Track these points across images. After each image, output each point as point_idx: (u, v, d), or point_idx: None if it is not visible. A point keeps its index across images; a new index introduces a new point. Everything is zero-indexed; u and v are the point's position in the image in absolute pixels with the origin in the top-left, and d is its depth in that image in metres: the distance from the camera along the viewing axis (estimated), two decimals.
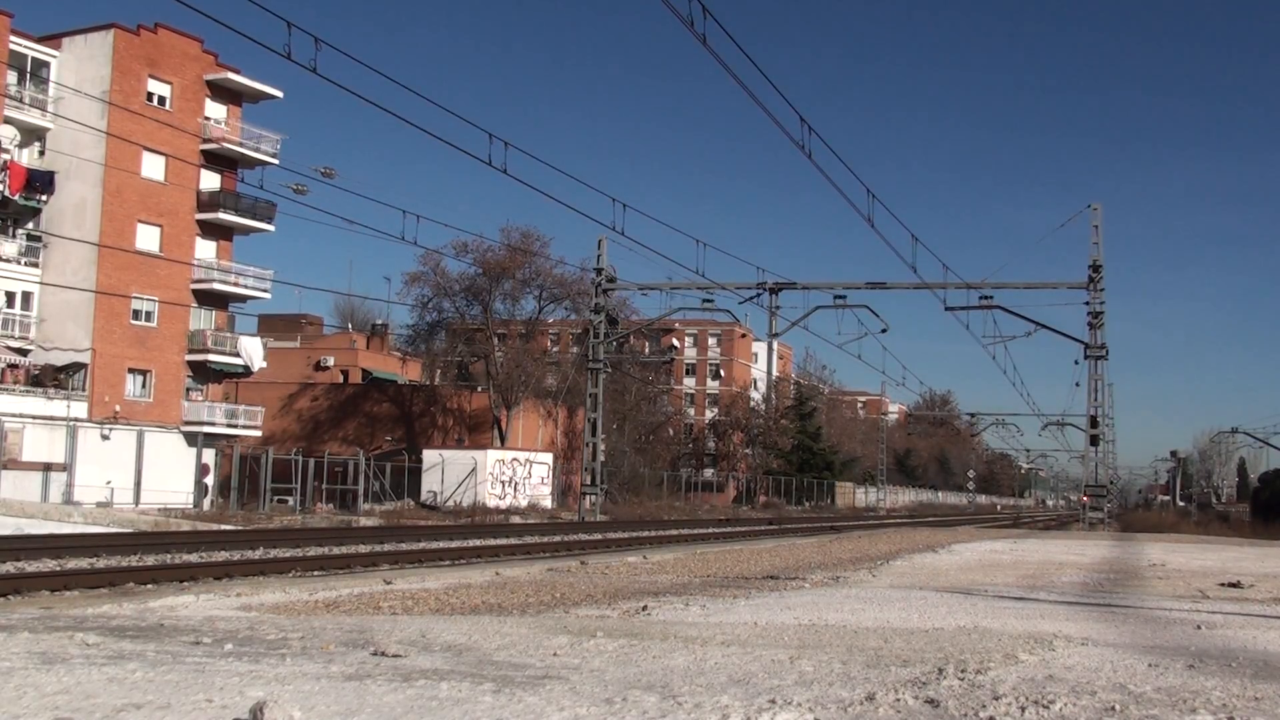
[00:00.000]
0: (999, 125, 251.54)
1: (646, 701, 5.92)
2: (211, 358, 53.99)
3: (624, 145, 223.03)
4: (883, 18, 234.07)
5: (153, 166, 51.00)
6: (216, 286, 53.97)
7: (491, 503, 55.17)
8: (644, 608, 11.72)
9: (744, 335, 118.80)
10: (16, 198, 48.31)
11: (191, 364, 53.74)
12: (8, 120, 48.21)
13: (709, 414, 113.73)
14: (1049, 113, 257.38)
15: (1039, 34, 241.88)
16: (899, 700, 6.12)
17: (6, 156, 48.01)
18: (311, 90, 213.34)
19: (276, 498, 50.13)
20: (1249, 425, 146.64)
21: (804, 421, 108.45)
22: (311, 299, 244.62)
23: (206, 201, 53.54)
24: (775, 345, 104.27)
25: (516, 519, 47.62)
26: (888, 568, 19.34)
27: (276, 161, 55.30)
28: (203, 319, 54.49)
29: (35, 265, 49.86)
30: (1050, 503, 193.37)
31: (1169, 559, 24.06)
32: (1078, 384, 58.53)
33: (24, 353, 48.91)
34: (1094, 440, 47.65)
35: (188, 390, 53.93)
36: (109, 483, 44.66)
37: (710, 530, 40.36)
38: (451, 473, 56.53)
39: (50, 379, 48.42)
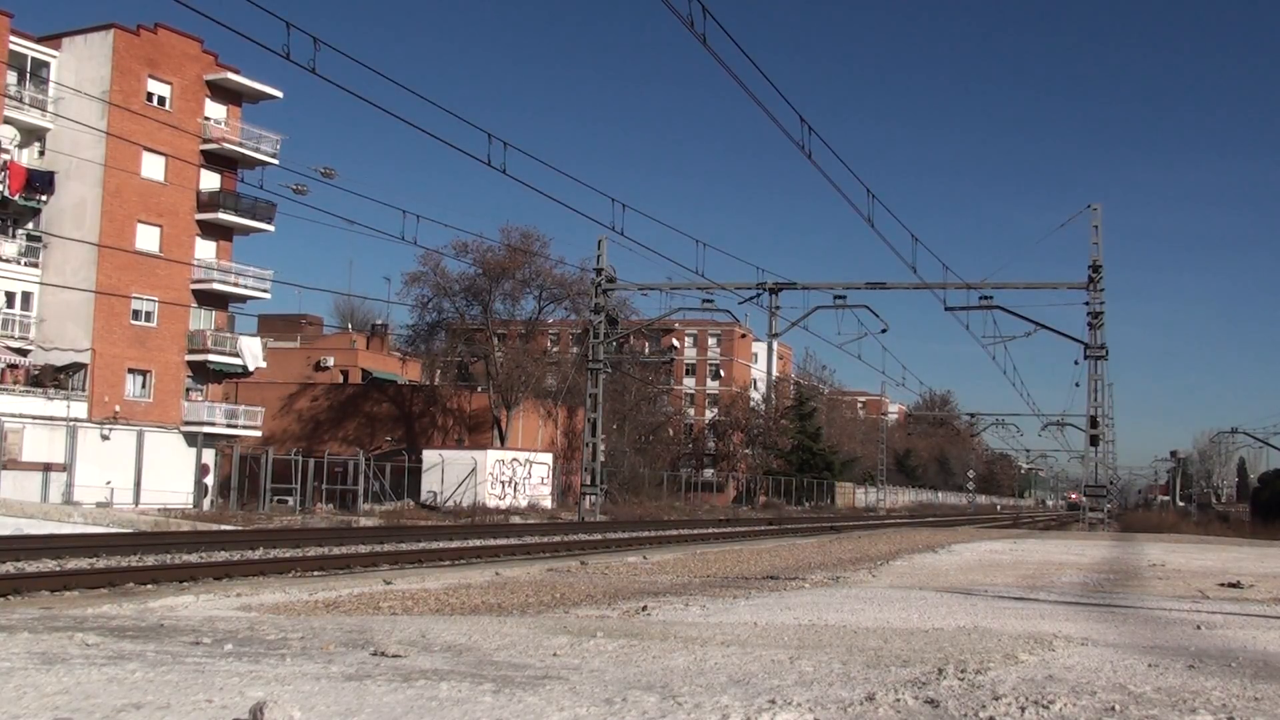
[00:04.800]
0: (999, 125, 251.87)
1: (646, 701, 5.92)
2: (211, 358, 53.97)
3: (624, 145, 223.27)
4: (883, 18, 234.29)
5: (153, 166, 50.99)
6: (216, 286, 53.96)
7: (491, 503, 55.14)
8: (644, 608, 11.72)
9: (744, 335, 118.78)
10: (16, 198, 48.30)
11: (191, 364, 53.72)
12: (8, 120, 48.21)
13: (709, 414, 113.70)
14: (1049, 113, 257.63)
15: (1039, 34, 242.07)
16: (899, 700, 6.12)
17: (6, 156, 48.01)
18: (311, 90, 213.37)
19: (276, 498, 50.11)
20: (1249, 425, 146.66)
21: (804, 422, 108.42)
22: (311, 299, 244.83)
23: (206, 201, 53.53)
24: (775, 345, 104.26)
25: (516, 519, 47.61)
26: (888, 568, 19.34)
27: (276, 161, 55.36)
28: (202, 319, 54.48)
29: (35, 265, 49.85)
30: (1050, 503, 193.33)
31: (1169, 559, 24.06)
32: (1078, 384, 58.54)
33: (24, 353, 48.90)
34: (1094, 440, 47.67)
35: (187, 390, 53.92)
36: (109, 483, 44.65)
37: (710, 530, 40.35)
38: (451, 473, 56.49)
39: (50, 379, 48.41)
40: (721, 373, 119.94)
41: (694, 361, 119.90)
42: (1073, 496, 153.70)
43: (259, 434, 56.80)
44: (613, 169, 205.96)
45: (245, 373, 56.57)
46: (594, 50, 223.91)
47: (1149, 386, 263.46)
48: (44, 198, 49.30)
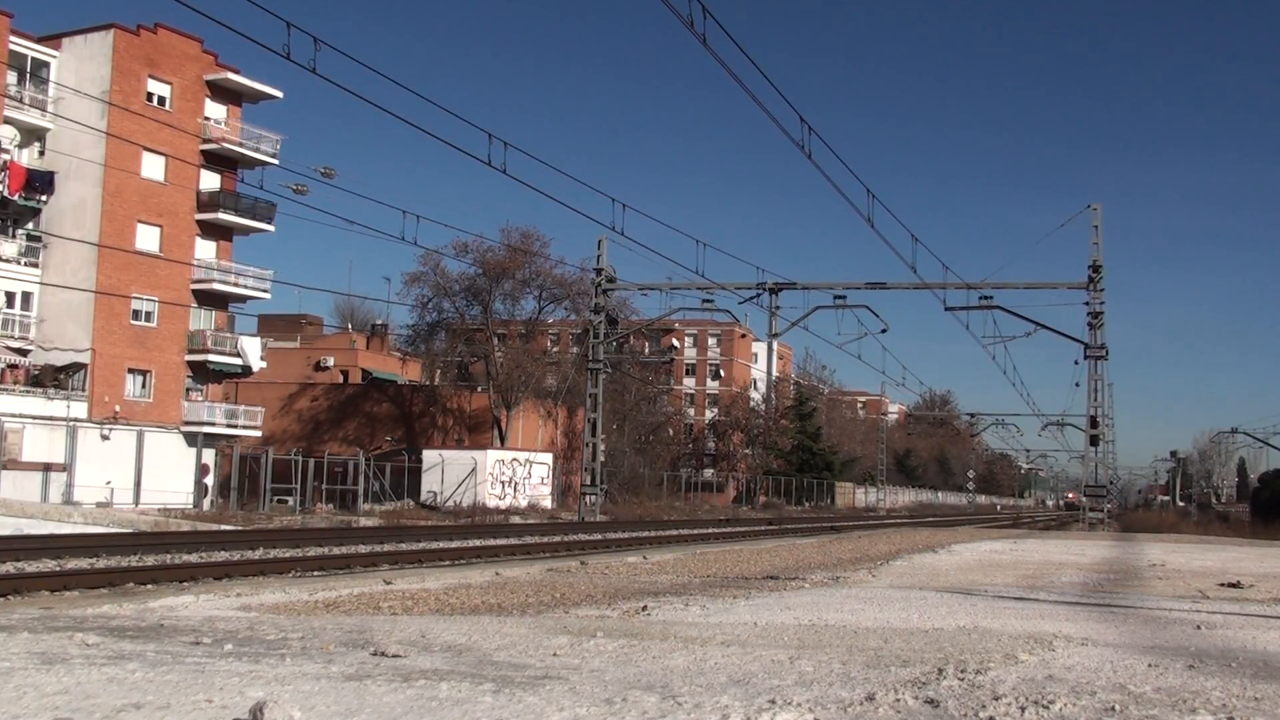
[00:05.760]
0: (999, 125, 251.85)
1: (646, 702, 5.92)
2: (211, 358, 53.97)
3: (624, 145, 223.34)
4: (883, 18, 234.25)
5: (152, 166, 50.99)
6: (216, 286, 53.96)
7: (491, 503, 55.13)
8: (644, 608, 11.72)
9: (744, 335, 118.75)
10: (16, 198, 48.29)
11: (191, 364, 53.73)
12: (8, 120, 48.20)
13: (709, 414, 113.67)
14: (1049, 113, 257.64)
15: (1039, 34, 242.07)
16: (899, 700, 6.12)
17: (6, 156, 48.00)
18: (311, 90, 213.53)
19: (276, 498, 50.09)
20: (1249, 425, 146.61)
21: (804, 422, 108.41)
22: (311, 299, 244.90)
23: (206, 201, 53.53)
24: (775, 345, 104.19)
25: (516, 519, 47.61)
26: (888, 568, 19.33)
27: (276, 161, 55.36)
28: (203, 319, 54.47)
29: (35, 265, 49.85)
30: (1050, 503, 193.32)
31: (1169, 559, 24.06)
32: (1077, 384, 58.61)
33: (24, 353, 48.90)
34: (1094, 440, 47.67)
35: (187, 390, 53.92)
36: (109, 483, 44.64)
37: (710, 530, 40.34)
38: (451, 473, 56.49)
39: (50, 379, 48.40)
40: (721, 373, 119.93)
41: (694, 361, 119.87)
42: (1071, 496, 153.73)
43: (259, 434, 56.79)
44: (613, 169, 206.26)
45: (245, 373, 56.57)
46: (594, 50, 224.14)
47: (1149, 386, 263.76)
48: (44, 198, 49.29)
